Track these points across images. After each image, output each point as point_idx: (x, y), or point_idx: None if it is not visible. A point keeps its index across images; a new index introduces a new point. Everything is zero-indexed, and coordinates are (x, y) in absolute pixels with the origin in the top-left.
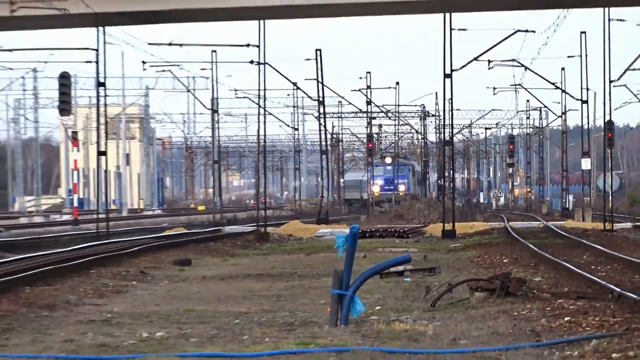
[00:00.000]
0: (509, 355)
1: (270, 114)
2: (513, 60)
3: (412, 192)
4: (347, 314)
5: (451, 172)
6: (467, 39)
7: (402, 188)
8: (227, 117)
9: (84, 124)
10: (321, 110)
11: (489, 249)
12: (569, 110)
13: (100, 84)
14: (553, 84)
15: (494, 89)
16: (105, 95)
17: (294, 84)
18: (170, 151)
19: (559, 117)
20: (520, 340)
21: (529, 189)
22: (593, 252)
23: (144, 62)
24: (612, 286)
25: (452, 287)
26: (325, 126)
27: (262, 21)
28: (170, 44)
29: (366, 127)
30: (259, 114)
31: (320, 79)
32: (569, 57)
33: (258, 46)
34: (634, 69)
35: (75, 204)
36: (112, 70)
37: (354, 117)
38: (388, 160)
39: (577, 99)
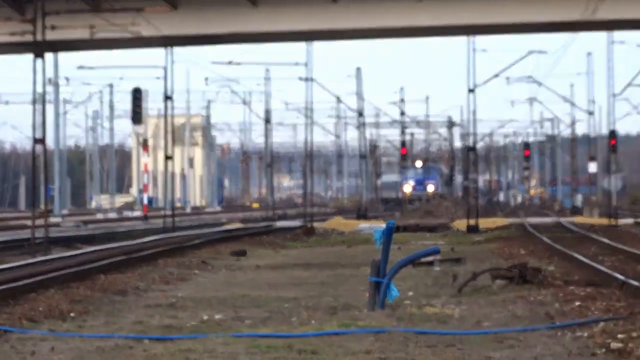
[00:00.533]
0: (527, 335)
1: (316, 123)
2: (528, 77)
3: (439, 192)
4: (384, 299)
5: (475, 174)
6: (487, 58)
7: (430, 188)
8: (278, 126)
9: (153, 132)
10: (360, 120)
11: (508, 242)
12: (578, 120)
13: (168, 98)
14: (563, 97)
15: (512, 102)
16: (172, 107)
17: (337, 97)
18: (228, 156)
19: (568, 126)
20: (536, 322)
21: (542, 190)
22: (600, 245)
23: (206, 79)
24: (617, 275)
25: (476, 276)
26: (364, 134)
27: (309, 43)
28: (229, 63)
29: (400, 135)
30: (306, 123)
31: (360, 94)
32: (577, 74)
33: (306, 64)
34: (634, 85)
35: (145, 202)
36: (178, 85)
37: (390, 126)
38: (418, 163)
39: (585, 111)
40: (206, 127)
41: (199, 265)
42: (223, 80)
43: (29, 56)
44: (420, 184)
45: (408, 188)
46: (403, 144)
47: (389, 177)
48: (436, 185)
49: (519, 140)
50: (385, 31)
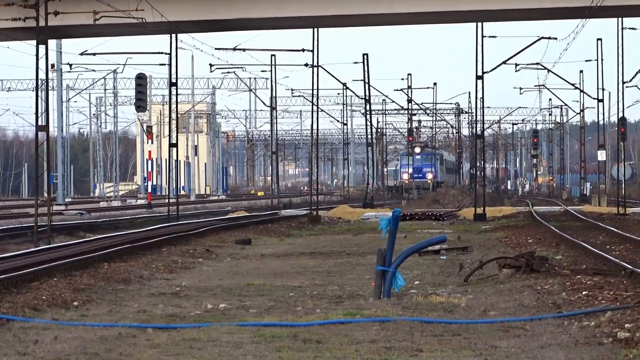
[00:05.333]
0: (533, 325)
1: (322, 110)
2: (537, 63)
3: (439, 180)
4: (390, 288)
5: (482, 162)
6: (496, 44)
7: (429, 176)
8: (284, 113)
9: (157, 119)
10: (367, 107)
11: (516, 230)
12: (587, 108)
13: (173, 84)
14: (572, 84)
15: (520, 89)
16: (177, 94)
17: (344, 84)
18: (233, 143)
19: (577, 114)
20: (543, 311)
21: (551, 178)
22: (608, 234)
23: (211, 65)
24: (625, 264)
25: (482, 264)
26: (370, 121)
27: (315, 29)
28: (234, 49)
29: (407, 123)
30: (312, 110)
31: (366, 80)
32: (586, 61)
33: (312, 51)
34: None
35: (149, 189)
36: (183, 72)
37: (397, 113)
38: (417, 150)
39: (594, 98)
40: (211, 114)
41: (203, 253)
42: (228, 67)
43: (32, 42)
44: (418, 171)
45: (405, 176)
46: (410, 131)
47: (396, 165)
48: (435, 173)
49: (528, 127)
50: (393, 17)
